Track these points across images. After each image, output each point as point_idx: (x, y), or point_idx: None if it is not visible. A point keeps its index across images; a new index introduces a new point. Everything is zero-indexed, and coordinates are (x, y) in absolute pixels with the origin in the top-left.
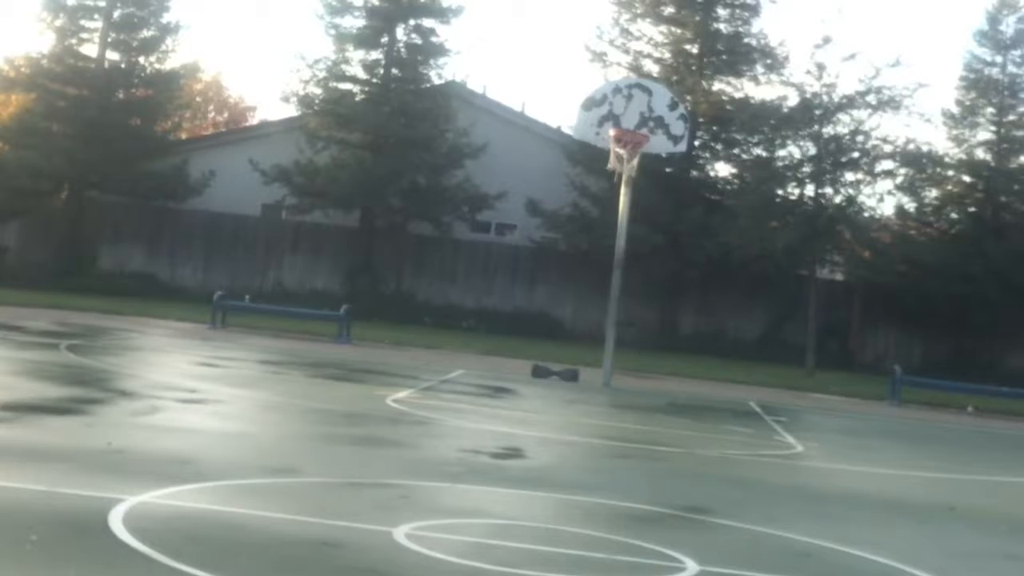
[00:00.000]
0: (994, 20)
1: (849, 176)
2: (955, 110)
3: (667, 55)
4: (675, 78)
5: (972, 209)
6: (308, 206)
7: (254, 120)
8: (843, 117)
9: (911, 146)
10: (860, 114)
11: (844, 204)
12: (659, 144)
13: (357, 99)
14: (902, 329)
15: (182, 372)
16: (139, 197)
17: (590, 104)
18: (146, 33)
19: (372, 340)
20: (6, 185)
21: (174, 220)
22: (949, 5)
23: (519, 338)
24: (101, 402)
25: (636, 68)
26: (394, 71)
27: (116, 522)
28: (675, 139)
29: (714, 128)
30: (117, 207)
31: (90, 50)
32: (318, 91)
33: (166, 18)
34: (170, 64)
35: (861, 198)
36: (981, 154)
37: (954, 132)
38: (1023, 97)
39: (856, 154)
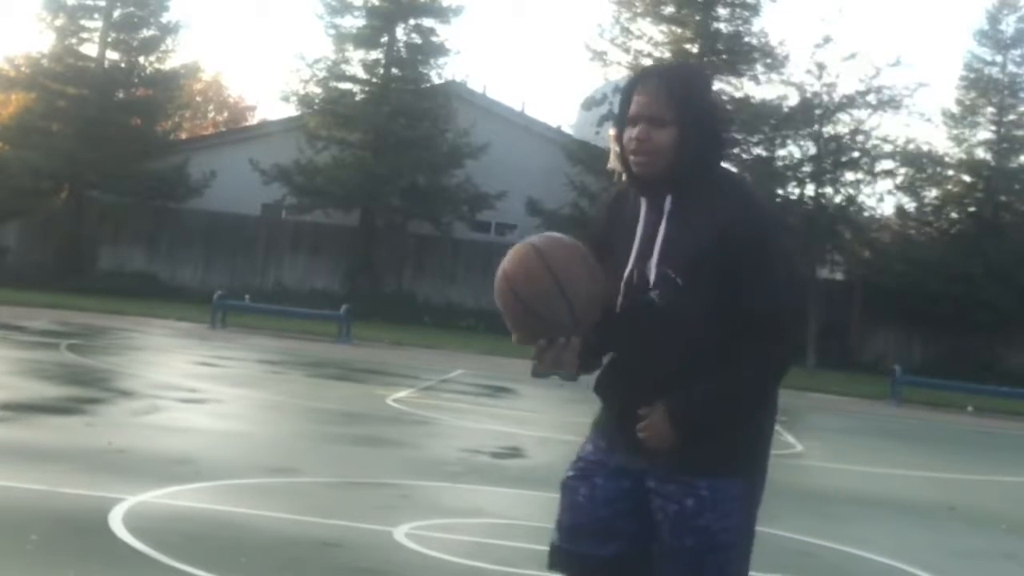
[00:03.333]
0: (994, 20)
1: (849, 176)
2: (955, 110)
3: (667, 54)
4: None
5: (972, 209)
6: (308, 206)
7: (254, 120)
8: (843, 117)
9: (911, 146)
10: (860, 114)
11: (844, 204)
12: None
13: (357, 99)
14: (902, 329)
15: (182, 372)
16: (139, 197)
17: (590, 104)
18: (146, 33)
19: (372, 340)
20: (6, 185)
21: (174, 220)
22: (949, 5)
23: None
24: (101, 402)
25: (636, 67)
26: (394, 71)
27: (116, 522)
28: None
29: None
30: (117, 207)
31: (90, 50)
32: (318, 91)
33: (166, 18)
34: (170, 64)
35: (861, 198)
36: (981, 154)
37: (954, 132)
38: (1023, 97)
39: (856, 154)
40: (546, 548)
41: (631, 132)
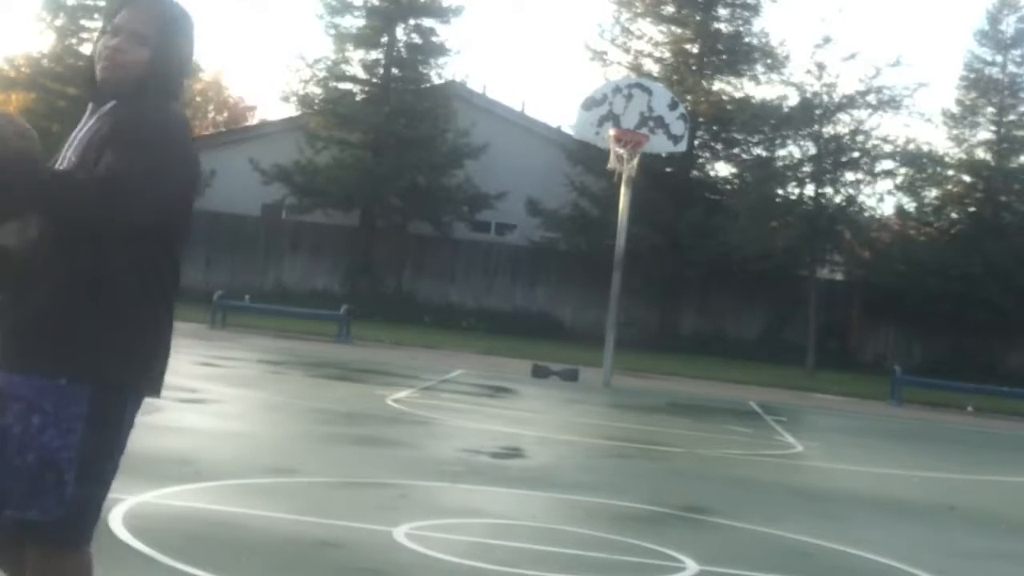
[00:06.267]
0: (994, 20)
1: (849, 176)
2: (955, 110)
3: (667, 54)
4: (675, 78)
5: (972, 209)
6: (308, 206)
7: (254, 120)
8: (843, 117)
9: (911, 146)
10: (860, 114)
11: (844, 204)
12: (659, 144)
13: (357, 99)
14: (902, 329)
15: (182, 372)
16: None
17: (590, 104)
18: None
19: (372, 340)
20: None
21: None
22: (949, 5)
23: (519, 338)
24: None
25: (636, 67)
26: (394, 71)
27: (116, 522)
28: (675, 139)
29: (714, 128)
30: None
31: (90, 50)
32: (318, 91)
33: None
34: None
35: (861, 198)
36: (981, 154)
37: (954, 132)
38: (1023, 97)
39: (856, 154)
40: (546, 549)
41: (110, 41)
